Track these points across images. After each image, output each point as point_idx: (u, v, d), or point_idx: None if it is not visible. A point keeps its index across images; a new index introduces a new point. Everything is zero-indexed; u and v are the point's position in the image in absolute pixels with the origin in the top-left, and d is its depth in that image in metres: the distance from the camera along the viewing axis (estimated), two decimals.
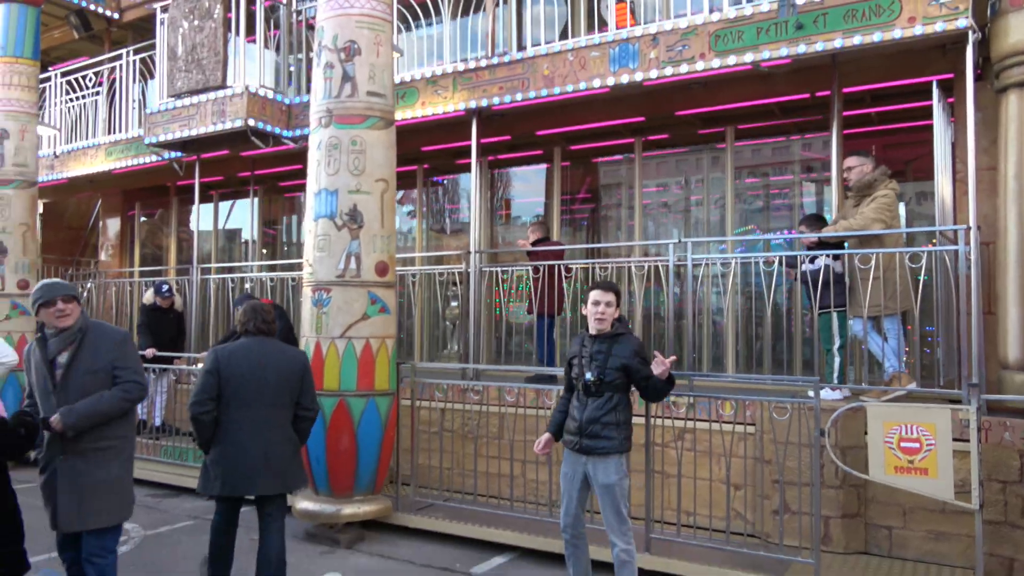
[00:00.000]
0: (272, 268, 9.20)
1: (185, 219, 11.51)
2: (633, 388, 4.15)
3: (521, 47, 6.71)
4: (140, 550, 5.50)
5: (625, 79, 5.86)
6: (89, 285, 10.34)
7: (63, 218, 13.32)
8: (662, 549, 4.86)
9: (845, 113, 6.10)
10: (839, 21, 5.04)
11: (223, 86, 7.48)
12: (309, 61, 8.12)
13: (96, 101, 10.03)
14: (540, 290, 6.56)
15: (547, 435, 4.32)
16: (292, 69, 8.13)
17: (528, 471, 5.78)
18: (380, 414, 5.61)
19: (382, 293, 5.65)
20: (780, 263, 5.48)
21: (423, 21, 7.35)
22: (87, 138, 10.03)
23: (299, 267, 9.03)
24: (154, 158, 8.96)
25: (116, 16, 10.50)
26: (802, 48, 5.18)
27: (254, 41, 7.85)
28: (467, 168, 8.79)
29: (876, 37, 4.95)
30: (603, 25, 7.02)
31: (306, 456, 5.60)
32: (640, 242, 7.44)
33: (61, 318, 3.65)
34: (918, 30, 4.83)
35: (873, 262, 5.04)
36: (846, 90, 6.06)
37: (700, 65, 5.53)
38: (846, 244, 5.46)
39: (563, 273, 6.58)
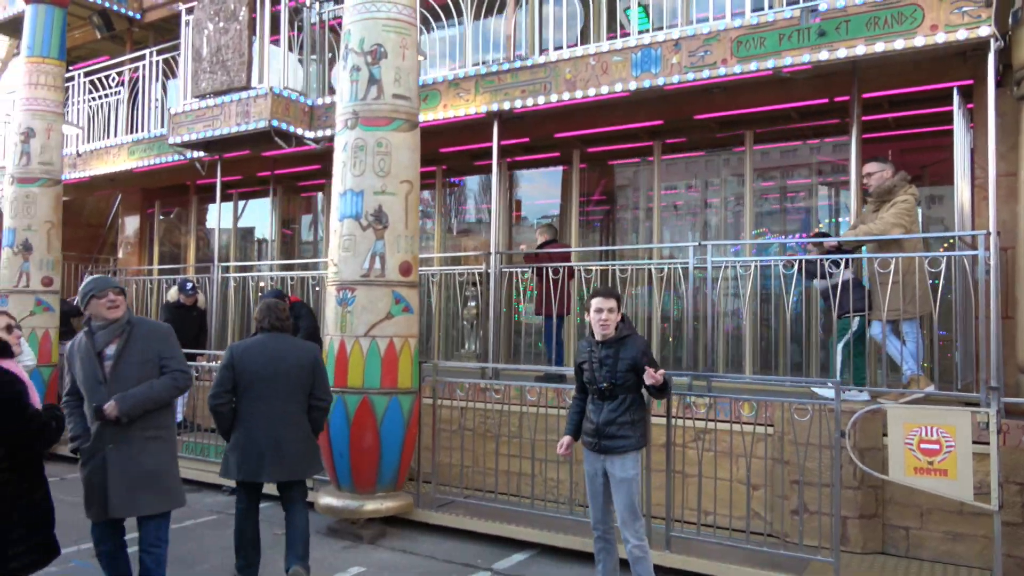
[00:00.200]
0: (290, 267, 9.31)
1: (202, 217, 11.64)
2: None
3: (542, 49, 6.80)
4: None
5: (647, 84, 5.93)
6: None
7: (82, 216, 13.46)
8: (682, 547, 4.93)
9: (863, 118, 6.16)
10: (861, 28, 5.09)
11: (247, 87, 7.59)
12: (331, 62, 8.25)
13: (118, 100, 10.16)
14: (547, 291, 6.67)
15: (567, 438, 4.43)
16: (314, 70, 8.23)
17: (547, 470, 5.86)
18: (403, 412, 5.70)
19: (406, 293, 5.74)
20: (801, 267, 5.54)
21: (444, 22, 7.43)
22: (109, 137, 10.16)
23: (315, 267, 9.22)
24: (176, 157, 9.07)
25: (138, 17, 10.63)
26: (824, 55, 5.23)
27: (278, 42, 7.95)
28: (483, 169, 8.93)
29: (898, 44, 5.00)
30: (620, 28, 7.11)
31: (329, 452, 5.71)
32: (660, 244, 7.51)
33: (112, 309, 3.80)
34: (940, 38, 4.88)
35: (892, 266, 5.10)
36: (865, 95, 6.12)
37: (722, 71, 5.59)
38: (864, 249, 5.52)
39: (567, 275, 6.67)
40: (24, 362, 5.22)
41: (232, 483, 6.28)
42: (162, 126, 9.47)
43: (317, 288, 8.11)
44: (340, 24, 7.77)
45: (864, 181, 5.56)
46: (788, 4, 5.59)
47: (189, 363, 7.65)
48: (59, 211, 8.92)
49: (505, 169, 8.44)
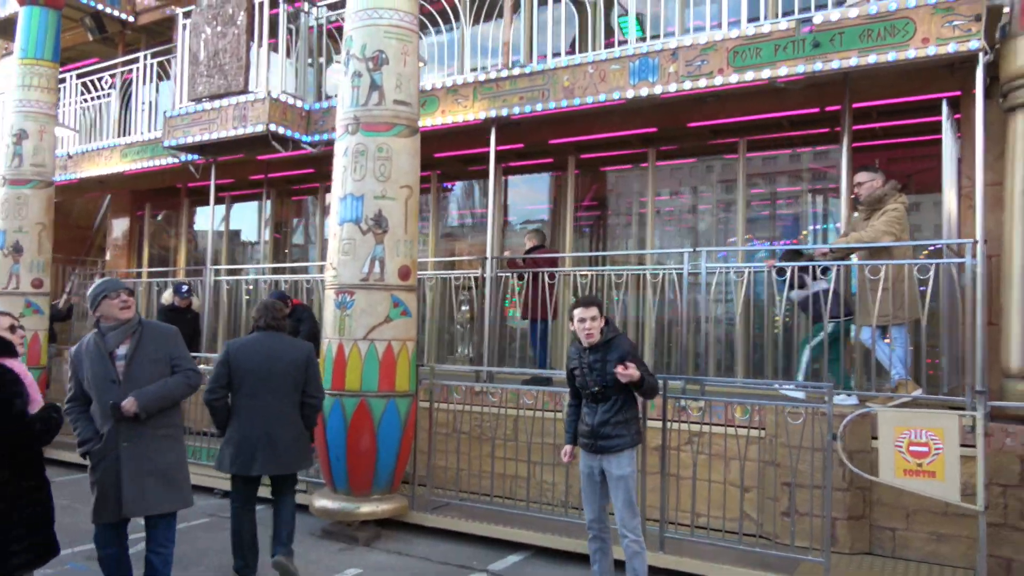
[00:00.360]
0: (282, 271, 9.32)
1: (192, 220, 11.61)
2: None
3: (540, 55, 6.89)
4: None
5: (644, 92, 6.02)
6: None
7: (70, 217, 13.37)
8: (675, 548, 5.01)
9: (853, 127, 6.29)
10: (855, 40, 5.21)
11: (245, 91, 7.61)
12: (329, 66, 8.29)
13: (110, 103, 10.13)
14: (534, 296, 6.77)
15: (568, 446, 4.55)
16: (311, 74, 8.27)
17: (540, 472, 5.92)
18: (400, 415, 5.74)
19: (404, 296, 5.79)
20: (792, 274, 5.65)
21: (442, 27, 7.49)
22: (100, 139, 10.12)
23: (305, 271, 9.23)
24: (169, 160, 9.06)
25: (131, 19, 10.63)
26: (819, 66, 5.35)
27: (275, 46, 7.98)
28: (476, 175, 9.02)
29: (890, 56, 5.13)
30: (610, 35, 7.21)
31: (326, 455, 5.74)
32: (654, 250, 7.62)
33: (124, 310, 3.85)
34: (931, 50, 5.01)
35: (883, 273, 5.22)
36: (855, 105, 6.26)
37: (719, 80, 5.70)
38: (853, 256, 5.64)
39: (547, 280, 6.76)
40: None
41: (224, 487, 6.37)
42: (154, 129, 9.48)
43: (309, 287, 8.13)
44: (336, 28, 7.88)
45: (855, 190, 5.68)
46: (784, 15, 5.70)
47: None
48: (51, 213, 8.89)
49: (500, 174, 8.51)
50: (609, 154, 8.19)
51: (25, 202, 8.59)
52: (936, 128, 5.59)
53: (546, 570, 5.25)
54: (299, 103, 7.88)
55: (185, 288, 8.01)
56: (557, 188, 8.68)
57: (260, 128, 7.46)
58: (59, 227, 12.83)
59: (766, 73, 5.53)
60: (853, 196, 5.76)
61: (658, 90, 5.97)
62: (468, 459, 6.28)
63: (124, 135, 9.88)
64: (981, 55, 4.96)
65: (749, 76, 5.60)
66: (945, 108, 5.38)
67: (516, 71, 6.75)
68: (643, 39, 6.48)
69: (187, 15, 8.21)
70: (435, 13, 7.40)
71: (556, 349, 7.76)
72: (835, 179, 6.76)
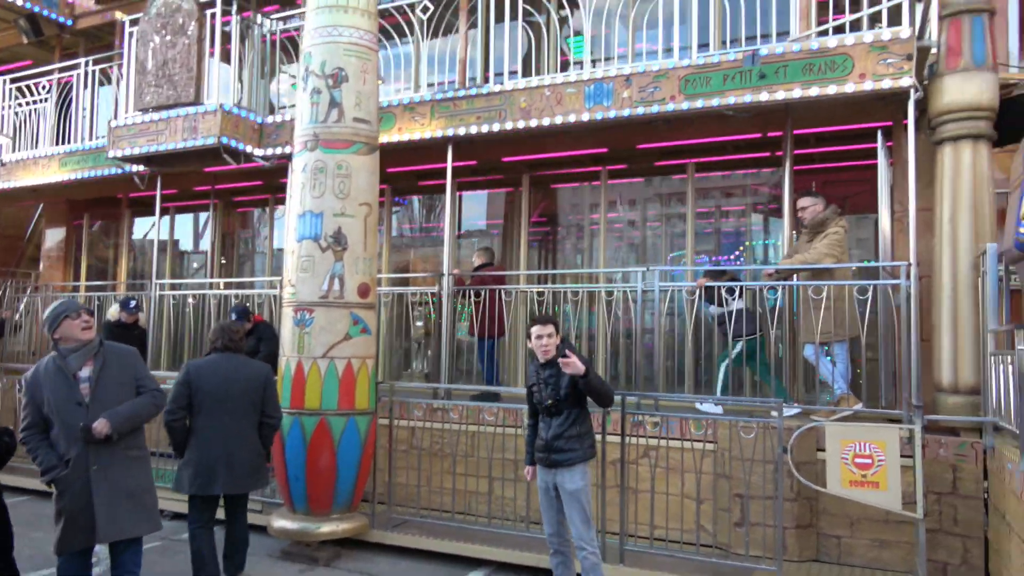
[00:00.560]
0: (230, 285, 9.14)
1: (132, 231, 11.23)
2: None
3: (497, 74, 6.99)
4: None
5: (599, 115, 6.20)
6: (35, 298, 9.99)
7: None
8: (635, 560, 5.17)
9: (794, 152, 6.62)
10: (798, 73, 5.53)
11: (196, 103, 7.46)
12: (279, 77, 8.20)
13: (45, 109, 9.75)
14: (482, 313, 6.87)
15: (529, 467, 4.69)
16: (262, 87, 8.16)
17: (499, 488, 6.00)
18: (360, 433, 5.73)
19: (364, 314, 5.79)
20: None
21: (397, 40, 7.52)
22: (36, 147, 9.72)
23: (252, 285, 9.08)
24: (112, 170, 8.78)
25: (69, 23, 10.26)
26: (764, 96, 5.64)
27: (227, 56, 7.85)
28: (428, 190, 9.07)
29: (831, 90, 5.46)
30: (564, 54, 7.39)
31: (284, 475, 5.68)
32: (610, 269, 7.80)
33: (85, 330, 3.80)
34: (868, 85, 5.36)
35: (825, 293, 5.52)
36: (796, 131, 6.59)
37: (670, 106, 5.93)
38: (795, 276, 5.94)
39: (500, 297, 6.92)
40: None
41: (174, 508, 6.25)
42: (94, 138, 9.16)
43: (260, 301, 8.02)
44: (288, 39, 7.81)
45: (799, 214, 5.98)
46: (732, 46, 5.97)
47: None
48: None
49: (455, 191, 8.57)
50: (561, 172, 8.36)
51: None
52: (871, 154, 5.95)
53: None
54: (251, 116, 7.78)
55: (133, 303, 7.78)
56: (509, 204, 8.80)
57: (211, 141, 7.33)
58: None
59: (715, 101, 5.79)
60: (798, 219, 6.06)
61: (612, 114, 6.16)
62: (428, 476, 6.31)
63: (62, 143, 9.52)
64: (912, 91, 5.33)
65: (700, 104, 5.84)
66: (880, 137, 5.74)
67: (473, 91, 6.85)
68: (594, 62, 6.67)
69: (134, 23, 7.99)
70: (389, 28, 7.43)
71: (508, 366, 7.86)
72: (777, 199, 7.09)
